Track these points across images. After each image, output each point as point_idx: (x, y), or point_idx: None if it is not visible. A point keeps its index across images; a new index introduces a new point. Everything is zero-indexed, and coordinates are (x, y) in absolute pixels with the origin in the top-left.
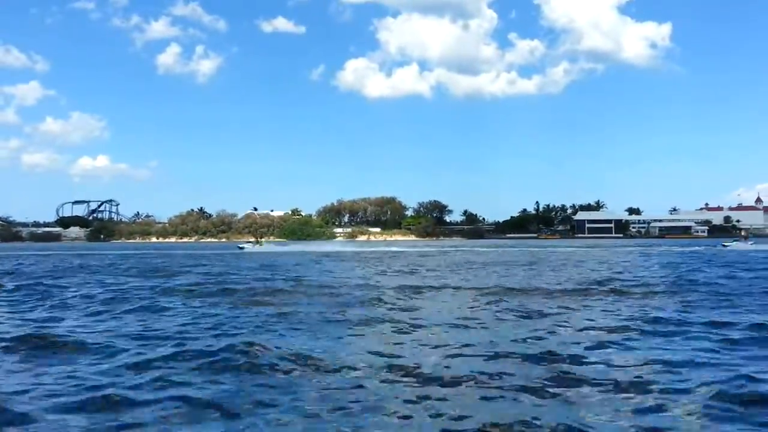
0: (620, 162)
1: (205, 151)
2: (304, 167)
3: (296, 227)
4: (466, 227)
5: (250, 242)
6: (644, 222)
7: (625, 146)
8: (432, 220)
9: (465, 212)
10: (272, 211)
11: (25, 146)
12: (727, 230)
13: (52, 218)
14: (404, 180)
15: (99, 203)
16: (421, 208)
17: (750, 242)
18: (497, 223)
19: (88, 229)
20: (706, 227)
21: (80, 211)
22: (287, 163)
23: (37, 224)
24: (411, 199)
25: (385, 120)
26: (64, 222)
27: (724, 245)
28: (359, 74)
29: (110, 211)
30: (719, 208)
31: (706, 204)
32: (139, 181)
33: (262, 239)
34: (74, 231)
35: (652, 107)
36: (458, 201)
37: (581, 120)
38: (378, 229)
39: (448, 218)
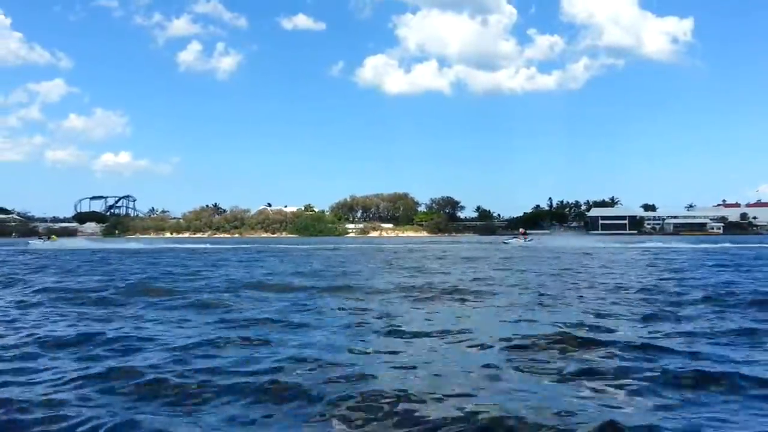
0: (639, 158)
1: (225, 148)
2: (323, 163)
3: (308, 223)
4: (478, 223)
5: (41, 239)
6: (659, 218)
7: (644, 142)
8: (444, 216)
9: (478, 208)
10: (286, 206)
11: (48, 143)
12: (742, 227)
13: (71, 214)
14: (423, 176)
15: (116, 199)
16: (434, 204)
17: (529, 239)
18: (510, 219)
19: (104, 225)
20: (722, 224)
21: (98, 206)
22: (306, 159)
23: (56, 220)
24: (429, 195)
25: (403, 116)
26: (81, 217)
27: (504, 242)
28: (378, 71)
29: (127, 207)
30: (737, 205)
31: (724, 200)
32: (160, 177)
33: (54, 236)
34: (90, 226)
35: (673, 103)
36: (476, 197)
37: (600, 116)
38: (390, 225)
39: (461, 214)
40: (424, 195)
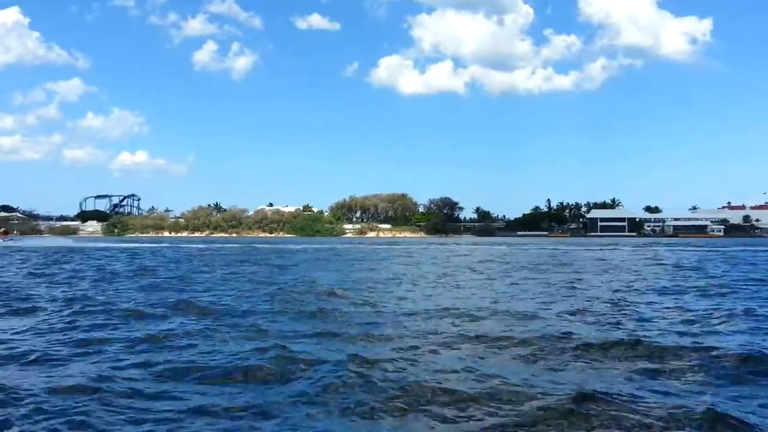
0: (650, 159)
1: (237, 147)
2: (333, 164)
3: (305, 223)
4: (476, 225)
5: None
6: (659, 221)
7: (658, 144)
8: (442, 217)
9: (477, 209)
10: (287, 206)
11: (66, 141)
12: (744, 229)
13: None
14: (434, 177)
15: (121, 198)
16: (432, 205)
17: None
18: (508, 221)
19: (104, 224)
20: (723, 226)
21: (102, 205)
22: (316, 159)
23: (62, 218)
24: (439, 196)
25: (417, 117)
26: (85, 216)
27: None
28: (393, 71)
29: (131, 206)
30: (742, 207)
31: (729, 203)
32: (176, 176)
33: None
34: (91, 225)
35: (690, 104)
36: (484, 199)
37: (616, 117)
38: (388, 226)
39: (463, 215)
40: (432, 195)
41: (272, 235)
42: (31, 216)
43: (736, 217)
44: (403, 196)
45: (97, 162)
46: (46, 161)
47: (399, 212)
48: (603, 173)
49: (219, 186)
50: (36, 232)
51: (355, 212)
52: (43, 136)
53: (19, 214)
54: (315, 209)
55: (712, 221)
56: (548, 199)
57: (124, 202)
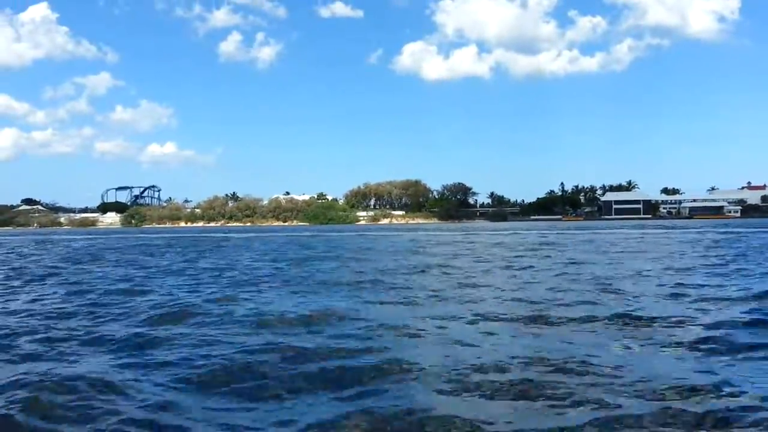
0: (675, 141)
1: (263, 137)
2: (357, 152)
3: (319, 211)
4: (490, 210)
5: None
6: (675, 202)
7: (684, 125)
8: (455, 203)
9: (491, 194)
10: (303, 195)
11: (97, 134)
12: (761, 209)
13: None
14: (455, 162)
15: (142, 189)
16: (445, 191)
17: None
18: (522, 205)
19: (122, 215)
20: (739, 207)
21: (123, 197)
22: (341, 147)
23: (85, 210)
24: (468, 183)
25: (442, 103)
26: (105, 208)
27: None
28: (416, 57)
29: (152, 197)
30: (762, 187)
31: (749, 182)
32: (205, 167)
33: None
34: (110, 216)
35: (719, 83)
36: (506, 184)
37: (643, 98)
38: (401, 213)
39: (477, 199)
40: (450, 180)
41: (286, 223)
42: (53, 209)
43: (754, 198)
44: (417, 182)
45: (127, 154)
46: (78, 154)
47: (412, 199)
48: (624, 156)
49: (240, 175)
50: (56, 224)
51: (370, 199)
52: (74, 129)
53: (40, 207)
54: (329, 197)
55: (729, 202)
56: (561, 183)
57: (145, 194)
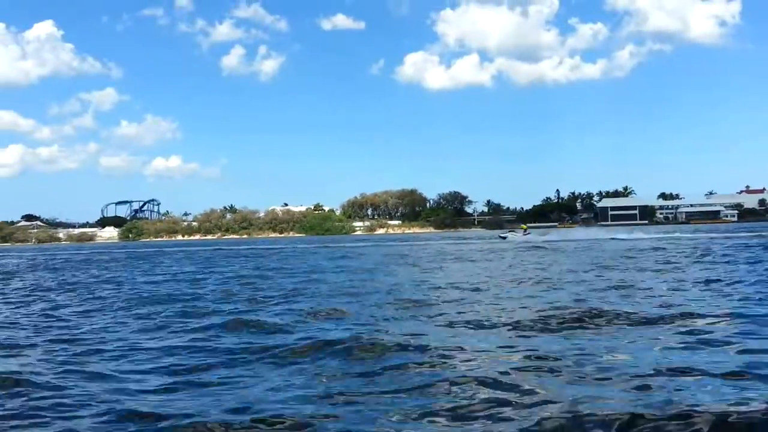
0: (673, 146)
1: (266, 149)
2: (355, 163)
3: (315, 222)
4: (486, 218)
5: None
6: (672, 208)
7: (684, 130)
8: (451, 212)
9: (488, 202)
10: (300, 206)
11: (102, 149)
12: (758, 213)
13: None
14: (454, 171)
15: (141, 203)
16: (441, 200)
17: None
18: (518, 213)
19: (120, 229)
20: (736, 211)
21: (123, 211)
22: (340, 159)
23: (84, 225)
24: (467, 191)
25: (445, 112)
26: (104, 222)
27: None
28: (419, 67)
29: (151, 210)
30: (761, 190)
31: (747, 186)
32: (209, 180)
33: None
34: (108, 231)
35: (720, 87)
36: (505, 193)
37: (645, 104)
38: (397, 222)
39: (474, 208)
40: (449, 189)
41: (282, 235)
42: (53, 224)
43: (752, 202)
44: (413, 191)
45: (132, 168)
46: (82, 170)
47: (408, 208)
48: (624, 162)
49: (239, 188)
50: (55, 239)
51: (366, 209)
52: (80, 145)
53: (39, 223)
54: (326, 208)
55: (725, 206)
56: (557, 190)
57: (145, 207)
